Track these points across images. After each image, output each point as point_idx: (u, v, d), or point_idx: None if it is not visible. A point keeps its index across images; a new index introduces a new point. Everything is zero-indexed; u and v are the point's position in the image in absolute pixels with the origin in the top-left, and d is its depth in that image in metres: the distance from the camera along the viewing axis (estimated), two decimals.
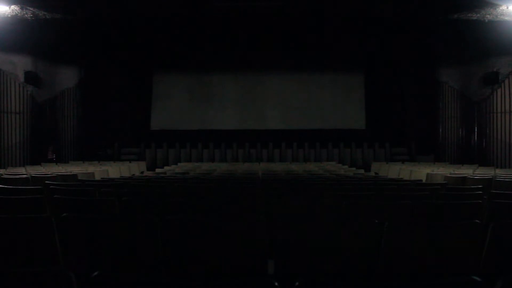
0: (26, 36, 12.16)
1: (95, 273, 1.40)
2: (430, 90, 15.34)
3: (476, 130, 14.18)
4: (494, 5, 10.16)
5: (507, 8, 10.23)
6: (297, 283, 1.35)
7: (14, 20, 10.92)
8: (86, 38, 14.06)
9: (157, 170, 10.51)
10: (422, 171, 8.69)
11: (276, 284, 1.36)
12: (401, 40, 14.96)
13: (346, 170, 10.07)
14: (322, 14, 12.60)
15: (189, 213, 3.63)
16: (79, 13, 11.50)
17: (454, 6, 10.75)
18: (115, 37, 14.83)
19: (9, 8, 10.23)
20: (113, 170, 9.86)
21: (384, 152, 15.58)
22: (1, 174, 7.32)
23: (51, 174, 7.32)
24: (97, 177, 8.14)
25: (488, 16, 10.87)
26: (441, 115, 15.10)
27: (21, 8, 10.35)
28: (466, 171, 8.73)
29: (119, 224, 2.62)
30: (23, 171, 8.42)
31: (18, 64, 12.97)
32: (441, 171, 8.49)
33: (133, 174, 10.38)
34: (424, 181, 7.45)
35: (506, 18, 10.83)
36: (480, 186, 5.00)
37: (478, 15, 10.94)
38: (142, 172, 11.54)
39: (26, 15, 10.78)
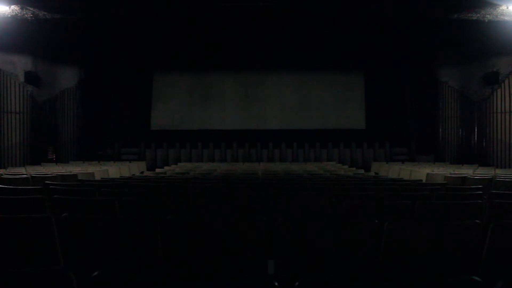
0: (26, 36, 12.15)
1: (95, 273, 1.40)
2: (430, 90, 15.33)
3: (476, 130, 14.18)
4: (494, 5, 10.16)
5: (507, 8, 10.23)
6: (297, 283, 1.35)
7: (14, 20, 10.92)
8: (86, 38, 14.06)
9: (157, 170, 10.51)
10: (422, 171, 8.69)
11: (276, 284, 1.36)
12: (401, 40, 14.96)
13: (346, 170, 10.07)
14: (322, 14, 12.59)
15: (189, 213, 3.63)
16: (79, 13, 11.50)
17: (454, 6, 10.74)
18: (115, 37, 14.83)
19: (9, 8, 10.23)
20: (113, 170, 9.85)
21: (384, 152, 15.58)
22: (1, 174, 7.32)
23: (51, 174, 7.32)
24: (97, 177, 8.14)
25: (488, 16, 10.87)
26: (441, 115, 15.09)
27: (21, 8, 10.35)
28: (466, 171, 8.73)
29: (119, 224, 2.62)
30: (23, 171, 8.41)
31: (18, 64, 12.97)
32: (441, 171, 8.49)
33: (133, 174, 10.37)
34: (424, 181, 7.44)
35: (506, 18, 10.83)
36: (480, 186, 5.00)
37: (478, 15, 10.93)
38: (142, 172, 11.54)
39: (26, 15, 10.78)
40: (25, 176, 6.95)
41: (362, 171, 10.48)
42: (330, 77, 16.49)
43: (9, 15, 10.58)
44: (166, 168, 11.21)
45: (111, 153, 15.34)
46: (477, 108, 14.05)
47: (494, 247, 2.39)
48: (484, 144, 13.85)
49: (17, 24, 11.14)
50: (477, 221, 2.47)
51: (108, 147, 15.56)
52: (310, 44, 15.64)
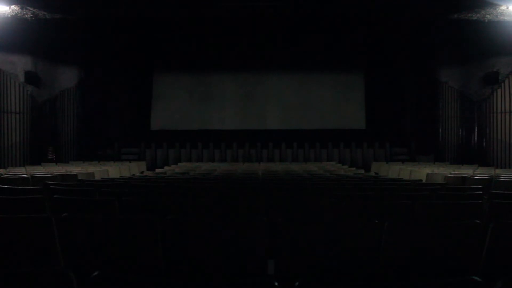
0: (26, 36, 12.15)
1: (95, 273, 1.40)
2: (430, 90, 15.33)
3: (476, 130, 14.18)
4: (494, 5, 10.16)
5: (507, 8, 10.23)
6: (297, 283, 1.35)
7: (14, 20, 10.91)
8: (86, 38, 14.05)
9: (157, 170, 10.51)
10: (422, 171, 8.69)
11: (276, 284, 1.36)
12: (401, 40, 14.96)
13: (346, 170, 10.07)
14: (322, 14, 12.59)
15: (189, 213, 3.63)
16: (79, 13, 11.50)
17: (454, 6, 10.74)
18: (115, 37, 14.83)
19: (9, 8, 10.23)
20: (113, 170, 9.85)
21: (384, 152, 15.58)
22: (1, 174, 7.32)
23: (51, 174, 7.32)
24: (97, 177, 8.14)
25: (488, 16, 10.87)
26: (441, 115, 15.09)
27: (21, 8, 10.35)
28: (466, 171, 8.73)
29: (119, 224, 2.62)
30: (23, 171, 8.42)
31: (18, 64, 12.97)
32: (441, 171, 8.49)
33: (133, 174, 10.37)
34: (424, 181, 7.45)
35: (506, 18, 10.83)
36: (480, 186, 5.00)
37: (478, 15, 10.93)
38: (142, 172, 11.54)
39: (26, 15, 10.78)
40: (25, 176, 6.95)
41: (362, 171, 10.47)
42: (330, 77, 16.49)
43: (9, 15, 10.58)
44: (166, 168, 11.21)
45: (111, 153, 15.34)
46: (477, 108, 14.05)
47: (494, 247, 2.39)
48: (484, 144, 13.85)
49: (17, 24, 11.13)
50: (477, 221, 2.47)
51: (108, 147, 15.56)
52: (310, 44, 15.63)
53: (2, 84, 12.56)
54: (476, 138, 14.19)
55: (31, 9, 10.46)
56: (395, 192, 4.67)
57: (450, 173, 7.85)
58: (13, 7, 10.20)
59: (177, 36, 15.43)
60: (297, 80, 16.49)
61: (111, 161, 13.65)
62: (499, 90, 13.24)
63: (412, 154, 15.34)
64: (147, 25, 14.08)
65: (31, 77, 13.22)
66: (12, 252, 2.49)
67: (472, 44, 13.23)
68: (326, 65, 16.32)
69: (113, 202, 3.51)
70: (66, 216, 2.61)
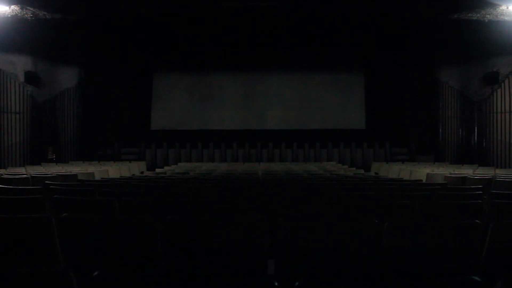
0: (26, 36, 12.15)
1: (95, 273, 1.40)
2: (430, 90, 15.33)
3: (476, 130, 14.18)
4: (494, 5, 10.16)
5: (507, 8, 10.23)
6: (297, 283, 1.35)
7: (14, 20, 10.92)
8: (86, 38, 14.05)
9: (157, 170, 10.51)
10: (422, 171, 8.69)
11: (276, 284, 1.36)
12: (401, 40, 14.96)
13: (346, 170, 10.07)
14: (322, 14, 12.60)
15: (189, 213, 3.63)
16: (79, 13, 11.50)
17: (454, 6, 10.75)
18: (115, 37, 14.83)
19: (9, 8, 10.23)
20: (113, 170, 9.85)
21: (384, 152, 15.58)
22: (1, 174, 7.32)
23: (51, 174, 7.32)
24: (97, 177, 8.14)
25: (488, 16, 10.87)
26: (441, 115, 15.09)
27: (21, 8, 10.35)
28: (466, 171, 8.73)
29: (119, 224, 2.62)
30: (23, 171, 8.42)
31: (18, 64, 12.97)
32: (441, 171, 8.49)
33: (133, 174, 10.37)
34: (424, 181, 7.44)
35: (506, 18, 10.84)
36: (480, 186, 5.00)
37: (478, 15, 10.94)
38: (142, 172, 11.54)
39: (26, 15, 10.78)
40: (25, 176, 6.95)
41: (362, 171, 10.47)
42: (330, 77, 16.48)
43: (9, 15, 10.58)
44: (166, 168, 11.21)
45: (111, 153, 15.33)
46: (477, 108, 14.05)
47: (494, 247, 2.39)
48: (484, 144, 13.85)
49: (17, 24, 11.13)
50: (477, 221, 2.47)
51: (108, 147, 15.55)
52: (310, 44, 15.63)
53: (2, 84, 12.56)
54: (476, 138, 14.19)
55: (31, 9, 10.46)
56: (395, 192, 4.67)
57: (450, 173, 7.84)
58: (13, 7, 10.20)
59: (177, 36, 15.42)
60: (297, 80, 16.48)
61: (111, 161, 13.65)
62: (499, 90, 13.24)
63: (412, 154, 15.34)
64: (147, 25, 14.08)
65: (31, 77, 13.22)
66: (12, 252, 2.49)
67: (472, 44, 13.22)
68: (326, 65, 16.31)
69: (113, 202, 3.51)
70: (66, 216, 2.61)
